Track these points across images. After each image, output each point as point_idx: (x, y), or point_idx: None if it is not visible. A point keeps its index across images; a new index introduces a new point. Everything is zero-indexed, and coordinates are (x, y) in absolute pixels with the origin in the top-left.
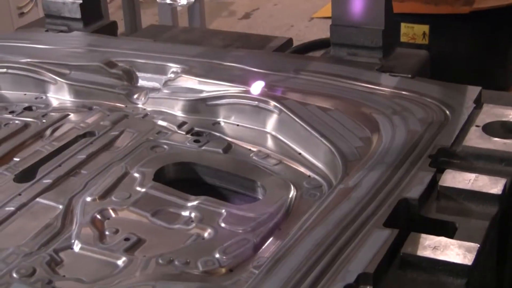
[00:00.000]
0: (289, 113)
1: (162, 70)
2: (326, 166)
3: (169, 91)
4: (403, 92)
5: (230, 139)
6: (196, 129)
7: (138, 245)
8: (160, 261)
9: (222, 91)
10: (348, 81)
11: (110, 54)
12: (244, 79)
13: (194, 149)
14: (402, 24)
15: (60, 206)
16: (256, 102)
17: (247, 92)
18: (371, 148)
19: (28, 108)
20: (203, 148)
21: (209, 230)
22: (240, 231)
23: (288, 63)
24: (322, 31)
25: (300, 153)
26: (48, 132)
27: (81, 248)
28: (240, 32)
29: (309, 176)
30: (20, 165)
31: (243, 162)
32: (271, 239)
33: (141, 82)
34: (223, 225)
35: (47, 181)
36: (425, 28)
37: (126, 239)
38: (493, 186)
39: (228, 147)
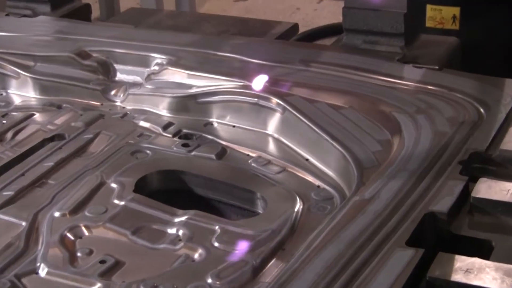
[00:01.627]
0: (294, 112)
1: (145, 62)
2: (338, 174)
3: (152, 87)
4: (429, 87)
5: (225, 142)
6: (185, 131)
7: (115, 268)
8: (142, 287)
9: (216, 86)
10: (364, 74)
11: (83, 43)
12: (241, 72)
13: (183, 155)
14: (428, 6)
15: (23, 223)
16: (256, 99)
17: (245, 87)
18: (391, 153)
19: None
20: (193, 153)
21: (200, 251)
22: (237, 251)
23: (293, 53)
24: (333, 15)
25: (307, 159)
26: (9, 135)
27: (48, 273)
28: (236, 16)
29: (318, 186)
30: None
31: (240, 170)
32: (273, 261)
33: (119, 76)
34: (216, 244)
35: (8, 193)
36: (455, 10)
37: (102, 262)
38: None
39: (222, 152)
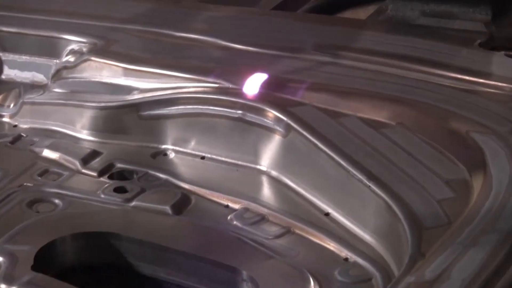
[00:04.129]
0: (305, 133)
1: (52, 48)
2: (379, 239)
3: (64, 90)
4: None
5: (188, 185)
6: (120, 166)
7: None
8: None
9: (174, 90)
10: (423, 68)
11: None
12: (217, 66)
13: (116, 207)
14: None
15: None
16: (241, 112)
17: (224, 91)
18: (469, 203)
19: None
20: (133, 204)
21: None
22: None
23: (304, 33)
24: None
25: (327, 214)
26: None
27: None
28: None
29: (346, 258)
30: None
31: (214, 232)
32: None
33: (8, 73)
34: None
35: None
36: None
37: None
38: None
39: (183, 202)
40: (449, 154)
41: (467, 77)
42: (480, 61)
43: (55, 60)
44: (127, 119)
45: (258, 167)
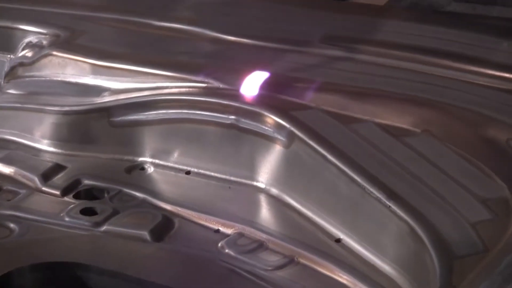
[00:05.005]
0: (312, 143)
1: (5, 41)
2: (401, 270)
3: (20, 92)
4: None
5: (170, 206)
6: (88, 182)
7: None
8: None
9: (152, 91)
10: (454, 64)
11: None
12: (206, 63)
13: (84, 232)
14: None
15: None
16: (234, 117)
17: (213, 92)
18: (509, 227)
19: None
20: (105, 228)
21: None
22: None
23: (310, 22)
24: None
25: (338, 240)
26: None
27: None
28: None
29: None
30: None
31: (202, 263)
32: None
33: None
34: None
35: None
36: None
37: None
38: None
39: (164, 226)
40: (486, 167)
41: (507, 75)
42: None
43: (8, 55)
44: (96, 127)
45: (255, 183)
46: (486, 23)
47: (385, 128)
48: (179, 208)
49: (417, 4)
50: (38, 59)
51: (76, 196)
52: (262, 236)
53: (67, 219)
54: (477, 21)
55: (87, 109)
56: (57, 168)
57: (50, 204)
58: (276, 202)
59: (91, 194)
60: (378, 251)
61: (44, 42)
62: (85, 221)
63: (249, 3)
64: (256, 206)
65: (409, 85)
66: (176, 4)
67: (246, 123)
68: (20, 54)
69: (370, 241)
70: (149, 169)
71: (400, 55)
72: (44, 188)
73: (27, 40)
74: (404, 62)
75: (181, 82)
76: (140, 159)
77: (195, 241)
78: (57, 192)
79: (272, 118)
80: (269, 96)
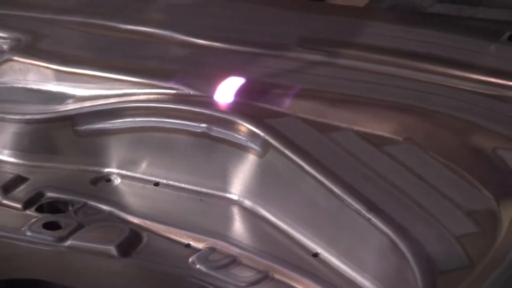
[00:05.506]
0: (287, 153)
1: None
2: (381, 286)
3: None
4: None
5: (138, 220)
6: (51, 195)
7: None
8: None
9: (119, 98)
10: (437, 68)
11: None
12: (176, 68)
13: (47, 247)
14: None
15: None
16: (205, 125)
17: (183, 99)
18: (496, 240)
19: None
20: (69, 243)
21: None
22: None
23: (286, 24)
24: None
25: (316, 254)
26: None
27: None
28: None
29: None
30: None
31: (171, 279)
32: None
33: None
34: None
35: None
36: None
37: None
38: None
39: (131, 241)
40: (472, 177)
41: (494, 80)
42: (510, 59)
43: None
44: (60, 136)
45: (228, 195)
46: (471, 25)
47: (365, 137)
48: (147, 222)
49: (397, 5)
50: None
51: (38, 210)
52: (235, 251)
53: (29, 233)
54: (461, 23)
55: (50, 117)
56: (19, 180)
57: (11, 218)
58: (250, 215)
59: (54, 207)
60: (357, 266)
61: (5, 47)
62: (48, 235)
63: (222, 4)
64: (228, 219)
65: (390, 90)
66: (145, 6)
67: (218, 131)
68: None
69: (349, 255)
70: (115, 181)
71: (381, 59)
72: (4, 201)
73: None
74: (385, 66)
75: (149, 88)
76: (106, 170)
77: (164, 256)
78: (19, 205)
79: (245, 126)
80: (243, 103)
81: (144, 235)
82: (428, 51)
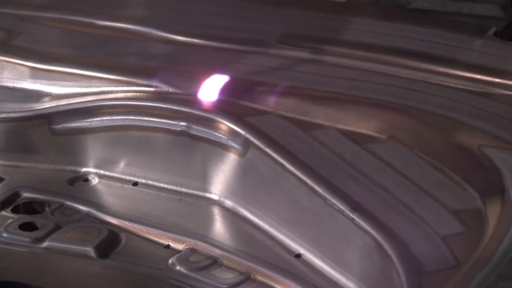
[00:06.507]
0: (268, 151)
1: None
2: (367, 287)
3: None
4: None
5: (116, 220)
6: (27, 195)
7: None
8: None
9: (96, 96)
10: (422, 65)
11: None
12: (155, 65)
13: (23, 249)
14: None
15: None
16: (184, 123)
17: (162, 97)
18: (482, 240)
19: None
20: (46, 245)
21: None
22: None
23: (268, 20)
24: None
25: (298, 255)
26: None
27: None
28: None
29: None
30: None
31: (150, 281)
32: None
33: None
34: None
35: None
36: None
37: None
38: None
39: (110, 242)
40: (457, 176)
41: (479, 76)
42: (496, 55)
43: None
44: (36, 135)
45: (208, 195)
46: (456, 20)
47: (348, 135)
48: (126, 222)
49: (382, 0)
50: None
51: (14, 210)
52: (216, 252)
53: (5, 235)
54: (446, 18)
55: (26, 116)
56: None
57: None
58: (231, 215)
59: (30, 207)
60: (341, 267)
61: None
62: (24, 237)
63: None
64: (209, 219)
65: (374, 88)
66: (124, 2)
67: (198, 130)
68: None
69: (332, 256)
70: (93, 181)
71: (364, 55)
72: None
73: None
74: (368, 63)
75: (127, 86)
76: (84, 169)
77: (143, 257)
78: None
79: (225, 124)
80: (223, 101)
81: (123, 236)
82: (412, 47)
